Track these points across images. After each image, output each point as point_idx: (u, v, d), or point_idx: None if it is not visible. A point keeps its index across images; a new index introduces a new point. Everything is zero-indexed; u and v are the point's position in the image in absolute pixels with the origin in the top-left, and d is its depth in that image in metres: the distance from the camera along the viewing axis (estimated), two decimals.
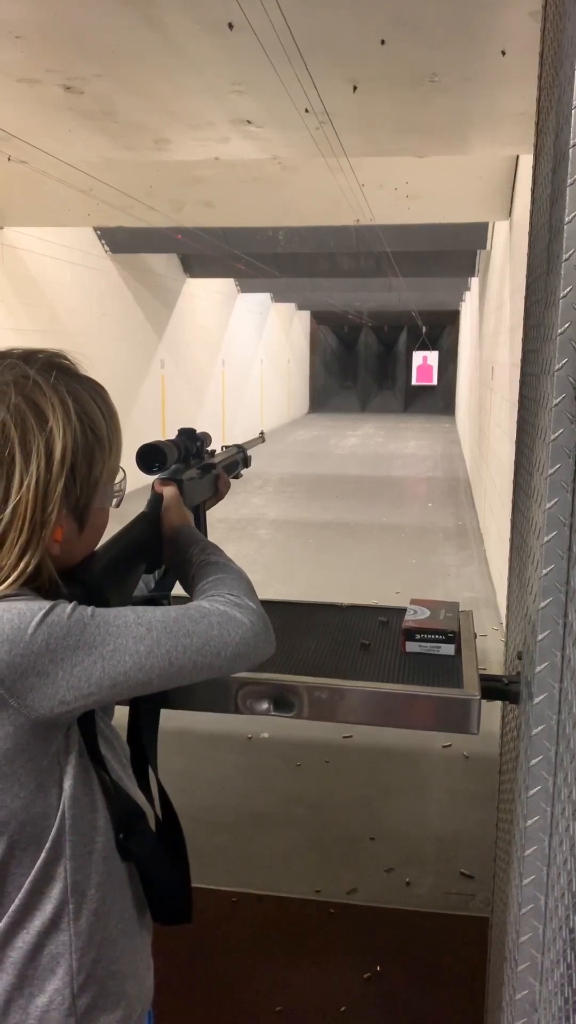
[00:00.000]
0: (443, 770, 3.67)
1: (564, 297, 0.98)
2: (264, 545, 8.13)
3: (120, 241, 9.70)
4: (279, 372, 21.33)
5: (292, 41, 3.02)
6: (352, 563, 7.38)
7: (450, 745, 3.78)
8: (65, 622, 0.91)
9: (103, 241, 9.72)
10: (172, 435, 1.37)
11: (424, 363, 23.29)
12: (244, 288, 15.89)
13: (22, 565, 0.94)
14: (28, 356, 1.00)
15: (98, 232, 9.52)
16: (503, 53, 3.16)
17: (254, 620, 1.02)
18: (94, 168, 5.96)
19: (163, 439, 1.30)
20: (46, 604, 0.92)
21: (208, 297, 14.25)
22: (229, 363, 15.78)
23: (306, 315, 25.11)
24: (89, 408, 1.00)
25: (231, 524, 8.75)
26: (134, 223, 7.26)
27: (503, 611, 2.59)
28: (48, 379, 0.97)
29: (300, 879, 2.91)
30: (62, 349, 1.04)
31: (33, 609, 0.91)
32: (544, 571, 1.06)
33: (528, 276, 1.60)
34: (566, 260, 0.98)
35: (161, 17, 2.93)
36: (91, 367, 1.07)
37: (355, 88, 3.64)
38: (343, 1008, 2.28)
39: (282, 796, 3.48)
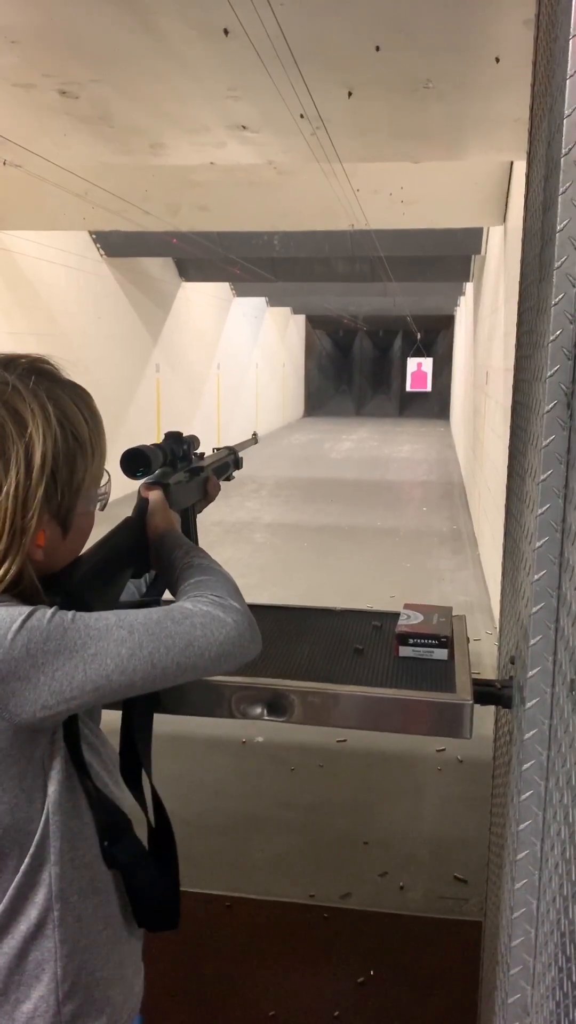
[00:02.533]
0: (437, 774, 3.67)
1: (556, 304, 0.99)
2: (259, 549, 8.13)
3: (115, 245, 9.70)
4: (274, 376, 21.34)
5: (287, 47, 3.03)
6: (348, 567, 7.38)
7: (444, 749, 3.78)
8: (45, 627, 0.91)
9: (98, 245, 9.72)
10: None
11: (419, 370, 23.37)
12: (239, 292, 15.90)
13: (1, 571, 0.95)
14: (8, 361, 1.00)
15: (93, 236, 9.53)
16: (497, 60, 3.17)
17: (238, 620, 1.01)
18: (90, 172, 5.97)
19: (149, 444, 1.30)
20: (25, 609, 0.92)
21: (203, 301, 14.26)
22: (224, 367, 15.78)
23: (301, 319, 25.14)
24: (71, 413, 1.00)
25: (226, 527, 8.75)
26: (130, 227, 7.26)
27: (497, 615, 2.58)
28: (28, 384, 0.97)
29: (294, 883, 2.91)
30: (45, 354, 1.04)
31: (13, 615, 0.91)
32: (536, 576, 1.06)
33: (521, 283, 1.61)
34: (558, 268, 0.98)
35: (157, 22, 2.94)
36: (86, 371, 1.07)
37: (350, 94, 3.65)
38: (336, 1013, 2.28)
39: (276, 800, 3.48)
